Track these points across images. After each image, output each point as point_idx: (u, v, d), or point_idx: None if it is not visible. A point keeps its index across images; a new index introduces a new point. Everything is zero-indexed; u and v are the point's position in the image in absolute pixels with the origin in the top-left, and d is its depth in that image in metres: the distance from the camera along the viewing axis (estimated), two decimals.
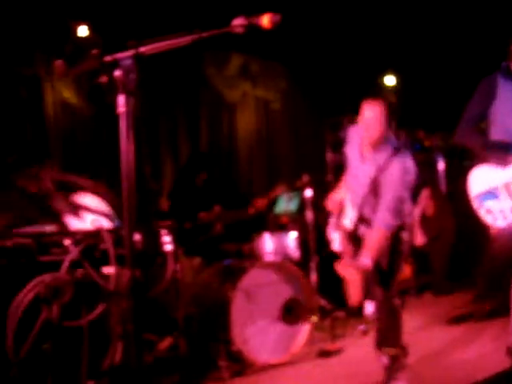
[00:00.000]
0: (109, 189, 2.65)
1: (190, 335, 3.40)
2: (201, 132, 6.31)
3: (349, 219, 3.10)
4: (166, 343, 3.44)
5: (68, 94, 5.30)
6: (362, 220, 2.99)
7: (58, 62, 1.44)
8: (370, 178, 2.91)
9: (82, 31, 5.16)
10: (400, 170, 2.83)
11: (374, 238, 2.81)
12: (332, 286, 4.58)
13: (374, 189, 2.88)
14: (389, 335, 2.99)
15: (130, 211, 1.37)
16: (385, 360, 3.01)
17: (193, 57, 6.01)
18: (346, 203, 3.17)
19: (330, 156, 6.03)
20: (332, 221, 3.20)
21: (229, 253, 4.36)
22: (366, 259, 2.72)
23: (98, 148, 5.33)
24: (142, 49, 1.46)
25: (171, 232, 1.75)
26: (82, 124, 5.40)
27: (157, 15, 5.09)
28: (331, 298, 4.57)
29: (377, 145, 2.92)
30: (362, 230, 3.00)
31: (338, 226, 3.13)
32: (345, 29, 6.02)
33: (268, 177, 6.81)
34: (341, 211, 3.17)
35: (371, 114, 2.86)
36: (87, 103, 5.36)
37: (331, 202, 3.22)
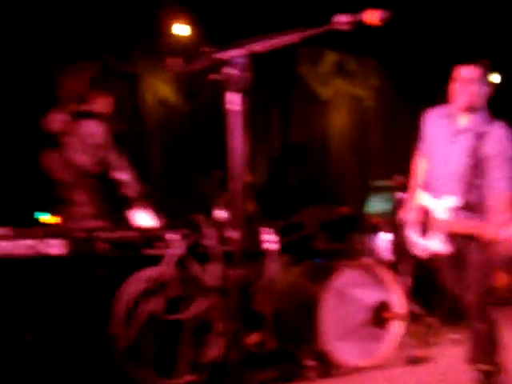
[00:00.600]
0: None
1: (277, 332, 3.39)
2: (294, 129, 6.31)
3: (443, 212, 2.79)
4: (253, 338, 3.45)
5: (164, 92, 5.47)
6: (467, 205, 2.67)
7: (175, 60, 1.46)
8: (468, 150, 2.66)
9: (180, 29, 5.30)
10: (505, 134, 2.61)
11: (503, 205, 2.49)
12: (426, 291, 4.41)
13: (475, 163, 2.63)
14: (483, 349, 2.77)
15: (238, 210, 1.37)
16: (477, 376, 2.80)
17: (286, 54, 6.01)
18: (428, 201, 2.89)
19: None
20: (411, 225, 2.97)
21: (320, 252, 4.32)
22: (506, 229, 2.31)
23: (194, 145, 5.47)
24: (256, 47, 1.45)
25: (274, 230, 1.73)
26: (178, 121, 5.55)
27: (252, 13, 5.12)
28: (424, 303, 4.39)
29: (473, 109, 2.71)
30: (467, 216, 2.67)
31: (433, 225, 2.84)
32: (440, 22, 5.76)
33: (359, 176, 6.69)
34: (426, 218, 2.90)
35: (468, 74, 2.69)
36: (184, 100, 5.51)
37: (411, 212, 2.97)
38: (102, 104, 2.59)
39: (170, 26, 5.30)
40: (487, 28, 5.83)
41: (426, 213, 2.87)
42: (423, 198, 2.92)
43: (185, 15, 5.27)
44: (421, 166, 3.05)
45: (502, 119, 2.66)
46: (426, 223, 2.88)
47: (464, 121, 2.75)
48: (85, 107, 2.53)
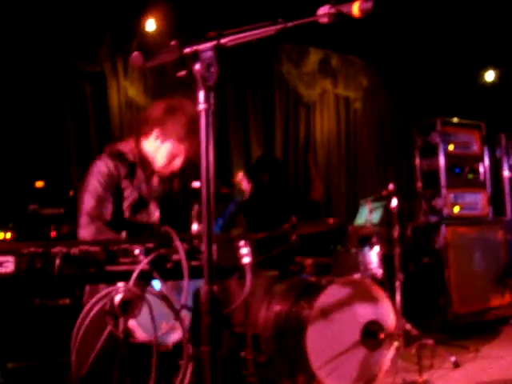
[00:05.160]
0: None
1: (259, 357, 3.37)
2: (275, 134, 6.32)
3: None
4: (231, 364, 3.42)
5: (134, 92, 5.45)
6: None
7: (135, 54, 1.45)
8: None
9: (150, 25, 5.29)
10: None
11: None
12: (419, 309, 4.42)
13: None
14: None
15: (208, 219, 1.35)
16: None
17: (266, 52, 6.03)
18: None
19: (418, 162, 5.85)
20: None
21: (305, 267, 4.31)
22: None
23: None
24: (224, 40, 1.44)
25: (249, 243, 1.72)
26: None
27: (231, 4, 5.13)
28: (418, 322, 4.40)
29: None
30: None
31: None
32: (435, 17, 5.83)
33: (348, 184, 6.72)
34: None
35: None
36: (154, 102, 5.48)
37: None
38: None
39: (141, 23, 5.29)
40: (479, 22, 5.91)
41: None
42: None
43: (156, 10, 5.27)
44: None
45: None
46: None
47: None
48: None
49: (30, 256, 1.66)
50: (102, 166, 2.63)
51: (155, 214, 2.75)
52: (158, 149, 2.72)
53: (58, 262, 1.65)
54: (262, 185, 4.89)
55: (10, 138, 4.63)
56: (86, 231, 2.50)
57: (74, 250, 1.68)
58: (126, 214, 2.64)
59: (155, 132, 2.70)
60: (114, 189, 2.62)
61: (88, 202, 2.56)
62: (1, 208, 4.24)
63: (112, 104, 5.33)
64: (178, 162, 2.76)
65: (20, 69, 4.67)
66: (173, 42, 1.44)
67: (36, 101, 4.78)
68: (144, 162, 2.74)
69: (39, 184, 4.49)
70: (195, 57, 1.43)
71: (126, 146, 2.74)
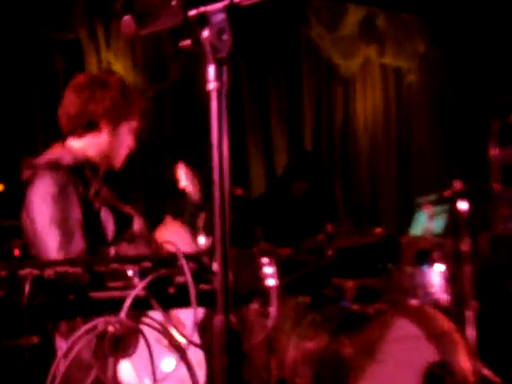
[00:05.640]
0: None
1: None
2: (303, 117, 6.34)
3: None
4: None
5: (119, 67, 5.50)
6: None
7: (127, 19, 1.48)
8: None
9: None
10: None
11: None
12: (500, 349, 4.40)
13: None
14: None
15: (223, 230, 1.38)
16: None
17: (290, 12, 6.06)
18: None
19: (495, 152, 5.83)
20: None
21: (345, 292, 4.33)
22: None
23: (160, 138, 5.49)
24: None
25: (274, 261, 1.75)
26: None
27: None
28: (499, 367, 4.38)
29: None
30: None
31: None
32: None
33: (399, 182, 6.72)
34: None
35: None
36: (146, 80, 5.54)
37: None
38: None
39: None
40: None
41: None
42: None
43: None
44: None
45: None
46: None
47: None
48: None
49: None
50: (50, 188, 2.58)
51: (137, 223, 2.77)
52: (116, 140, 2.76)
53: (27, 287, 1.68)
54: (294, 197, 4.89)
55: None
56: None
57: (49, 272, 1.71)
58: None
59: (102, 123, 2.72)
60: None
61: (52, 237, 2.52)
62: None
63: None
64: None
65: None
66: (174, 2, 1.47)
67: None
68: (92, 167, 2.74)
69: None
70: (203, 21, 1.45)
71: (62, 155, 2.74)
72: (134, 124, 2.78)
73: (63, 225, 2.53)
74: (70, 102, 2.73)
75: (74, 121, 2.73)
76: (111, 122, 2.72)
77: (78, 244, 2.52)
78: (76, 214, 2.57)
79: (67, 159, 2.66)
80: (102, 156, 2.76)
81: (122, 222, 2.68)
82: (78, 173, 2.65)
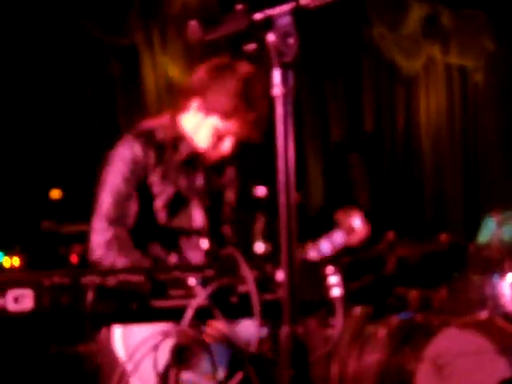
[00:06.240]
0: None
1: None
2: (363, 118, 6.31)
3: None
4: None
5: (175, 71, 5.56)
6: None
7: (193, 24, 1.50)
8: None
9: None
10: None
11: None
12: None
13: None
14: None
15: (289, 238, 1.39)
16: None
17: (352, 12, 6.04)
18: None
19: None
20: None
21: (408, 302, 4.30)
22: None
23: None
24: (304, 0, 1.47)
25: (339, 269, 1.75)
26: None
27: None
28: None
29: None
30: None
31: None
32: None
33: (466, 186, 6.63)
34: None
35: None
36: None
37: None
38: None
39: None
40: None
41: None
42: None
43: None
44: None
45: None
46: None
47: None
48: None
49: (53, 289, 1.72)
50: (126, 152, 2.60)
51: (198, 218, 2.73)
52: (200, 125, 2.68)
53: (90, 295, 1.72)
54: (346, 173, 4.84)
55: (16, 136, 4.79)
56: (100, 237, 2.53)
57: (111, 281, 1.74)
58: (160, 217, 2.64)
59: (195, 102, 2.66)
60: (141, 183, 2.62)
61: (105, 201, 2.56)
62: (5, 225, 4.41)
63: (147, 87, 5.44)
64: (227, 144, 2.71)
65: (28, 46, 4.82)
66: (239, 6, 1.48)
67: (50, 86, 4.93)
68: (179, 143, 2.70)
69: (55, 194, 4.64)
70: (268, 24, 1.46)
71: (159, 124, 2.73)
72: (224, 122, 2.69)
73: (116, 194, 2.58)
74: (195, 77, 2.73)
75: (186, 95, 2.70)
76: (204, 107, 2.68)
77: (126, 216, 2.56)
78: (134, 187, 2.60)
79: (160, 132, 2.68)
80: (187, 136, 2.74)
81: (174, 204, 2.67)
82: (161, 149, 2.67)
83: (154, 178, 2.63)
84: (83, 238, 2.86)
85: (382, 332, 3.91)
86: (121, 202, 2.57)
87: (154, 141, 2.66)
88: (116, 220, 2.55)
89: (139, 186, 2.59)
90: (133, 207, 2.57)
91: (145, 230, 2.60)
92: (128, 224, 2.55)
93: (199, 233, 2.67)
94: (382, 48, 6.37)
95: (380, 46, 6.36)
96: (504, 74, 6.86)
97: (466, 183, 6.68)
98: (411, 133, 6.55)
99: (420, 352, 3.50)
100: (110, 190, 2.58)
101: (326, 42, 6.04)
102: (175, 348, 1.64)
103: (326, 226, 4.89)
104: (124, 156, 2.61)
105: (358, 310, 4.18)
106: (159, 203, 2.61)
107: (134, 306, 1.73)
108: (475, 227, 4.95)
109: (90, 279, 1.72)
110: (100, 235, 2.53)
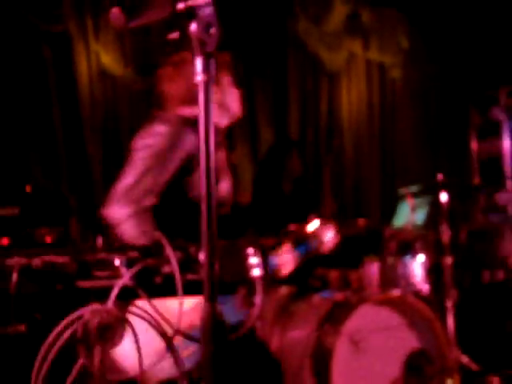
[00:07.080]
0: None
1: None
2: (289, 112, 6.33)
3: None
4: None
5: (108, 60, 5.47)
6: None
7: (115, 11, 1.47)
8: None
9: None
10: None
11: None
12: (479, 337, 4.43)
13: None
14: None
15: (209, 224, 1.38)
16: None
17: (276, 6, 6.04)
18: None
19: (475, 146, 5.86)
20: None
21: (328, 282, 4.34)
22: None
23: None
24: None
25: (260, 251, 1.74)
26: (126, 99, 5.55)
27: None
28: (478, 355, 4.41)
29: None
30: None
31: None
32: None
33: (383, 175, 6.73)
34: None
35: None
36: (134, 72, 5.51)
37: None
38: None
39: None
40: None
41: None
42: None
43: None
44: None
45: None
46: None
47: None
48: None
49: None
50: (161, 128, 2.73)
51: (223, 184, 2.80)
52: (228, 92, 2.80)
53: (15, 277, 1.67)
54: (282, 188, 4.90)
55: None
56: (119, 211, 2.47)
57: (36, 262, 1.70)
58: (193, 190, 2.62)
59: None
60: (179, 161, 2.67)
61: (127, 178, 2.57)
62: None
63: (80, 74, 5.35)
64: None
65: None
66: None
67: None
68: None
69: None
70: (191, 14, 1.45)
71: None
72: None
73: (142, 172, 2.58)
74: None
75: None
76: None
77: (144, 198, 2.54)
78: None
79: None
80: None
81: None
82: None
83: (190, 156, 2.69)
84: (12, 222, 2.79)
85: (303, 309, 3.94)
86: (145, 180, 2.58)
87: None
88: (133, 201, 2.51)
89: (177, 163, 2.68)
90: (155, 189, 2.59)
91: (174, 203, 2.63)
92: (143, 206, 2.52)
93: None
94: (306, 43, 6.39)
95: (305, 40, 6.38)
96: (418, 70, 6.99)
97: (383, 174, 6.78)
98: (333, 127, 6.60)
99: (339, 328, 3.53)
100: (135, 167, 2.63)
101: (252, 35, 6.03)
102: (99, 326, 1.61)
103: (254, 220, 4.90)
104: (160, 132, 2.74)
105: (282, 289, 4.20)
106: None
107: (60, 287, 1.69)
108: (390, 212, 5.05)
109: (15, 261, 1.68)
110: (117, 207, 2.49)
